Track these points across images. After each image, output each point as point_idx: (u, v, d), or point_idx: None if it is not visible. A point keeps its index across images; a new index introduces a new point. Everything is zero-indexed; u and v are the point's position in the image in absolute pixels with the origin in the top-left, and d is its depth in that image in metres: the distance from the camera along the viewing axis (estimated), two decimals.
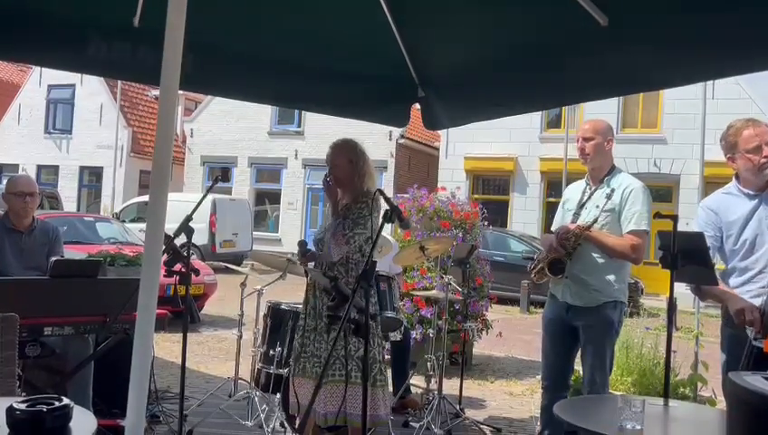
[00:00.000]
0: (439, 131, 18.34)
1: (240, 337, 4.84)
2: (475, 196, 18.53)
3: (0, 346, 2.61)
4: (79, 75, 21.46)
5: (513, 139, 18.45)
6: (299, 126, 21.59)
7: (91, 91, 23.68)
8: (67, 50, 3.13)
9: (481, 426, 4.69)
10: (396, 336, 4.76)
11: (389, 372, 4.96)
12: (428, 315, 5.89)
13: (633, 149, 17.17)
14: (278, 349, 4.26)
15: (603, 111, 16.46)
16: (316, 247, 3.60)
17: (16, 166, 24.36)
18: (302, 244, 3.66)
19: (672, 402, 2.68)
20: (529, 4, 2.86)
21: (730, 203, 3.00)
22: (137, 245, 9.21)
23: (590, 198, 3.48)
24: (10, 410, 1.65)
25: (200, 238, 15.27)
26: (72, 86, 24.03)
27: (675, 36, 2.53)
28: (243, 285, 4.91)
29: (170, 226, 2.21)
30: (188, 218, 3.38)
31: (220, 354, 6.96)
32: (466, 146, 19.06)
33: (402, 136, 20.02)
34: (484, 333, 6.75)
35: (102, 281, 3.99)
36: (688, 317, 7.12)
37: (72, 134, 24.59)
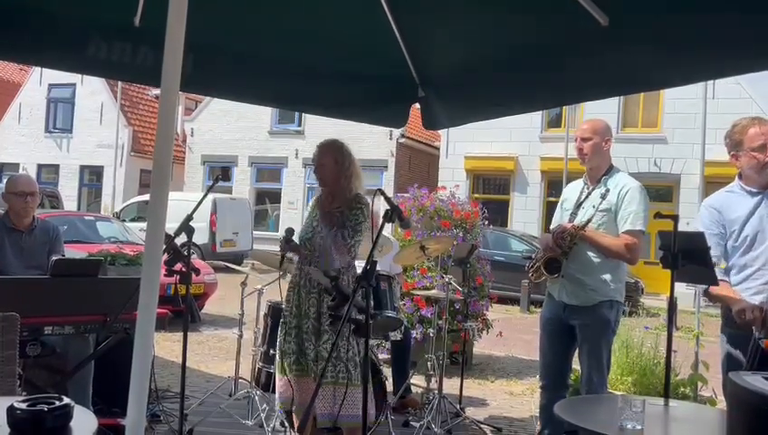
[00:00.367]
0: (440, 131, 18.33)
1: (240, 336, 4.85)
2: (476, 195, 18.52)
3: (1, 345, 2.61)
4: (79, 75, 21.44)
5: (513, 138, 18.45)
6: (299, 125, 21.59)
7: (92, 91, 23.68)
8: (67, 50, 3.12)
9: (481, 425, 4.69)
10: (396, 336, 4.76)
11: (390, 372, 4.99)
12: (429, 315, 5.89)
13: (633, 149, 17.17)
14: None
15: (604, 110, 16.44)
16: (303, 246, 3.57)
17: (17, 165, 24.38)
18: (290, 232, 3.58)
19: (672, 402, 2.68)
20: (529, 4, 2.86)
21: (732, 201, 3.02)
22: (137, 244, 9.21)
23: (587, 197, 3.50)
24: (11, 410, 1.66)
25: (200, 238, 15.26)
26: (73, 85, 24.03)
27: (675, 36, 2.52)
28: (243, 284, 4.92)
29: (171, 225, 2.21)
30: (189, 218, 3.38)
31: (220, 354, 6.96)
32: (467, 145, 19.05)
33: (402, 135, 20.02)
34: (484, 332, 6.76)
35: (103, 280, 4.00)
36: (689, 317, 7.11)
37: (72, 133, 24.59)
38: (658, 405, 2.53)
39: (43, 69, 23.00)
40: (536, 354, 3.86)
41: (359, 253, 3.60)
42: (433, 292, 5.14)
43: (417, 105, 4.08)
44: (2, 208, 4.41)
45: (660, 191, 17.71)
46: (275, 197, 22.54)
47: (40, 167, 24.88)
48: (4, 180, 4.61)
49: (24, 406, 1.67)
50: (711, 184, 11.82)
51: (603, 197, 3.38)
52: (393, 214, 2.58)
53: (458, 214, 6.59)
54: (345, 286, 3.19)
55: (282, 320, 3.58)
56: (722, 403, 4.38)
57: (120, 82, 20.98)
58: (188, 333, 3.55)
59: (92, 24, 3.07)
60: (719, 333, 3.09)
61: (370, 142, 19.82)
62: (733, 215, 2.98)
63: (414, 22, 3.38)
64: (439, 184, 17.33)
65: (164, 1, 2.02)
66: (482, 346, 7.46)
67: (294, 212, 21.71)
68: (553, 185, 18.24)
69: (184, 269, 3.43)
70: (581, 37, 2.81)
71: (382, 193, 2.76)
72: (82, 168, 24.60)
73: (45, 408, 1.68)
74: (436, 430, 4.36)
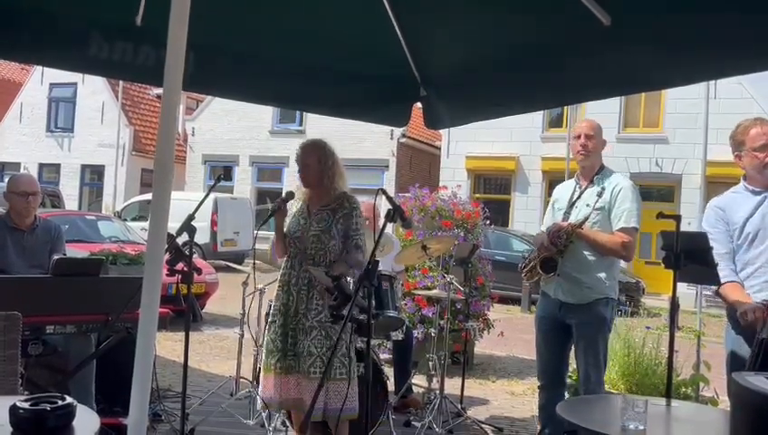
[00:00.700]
0: (441, 131, 18.31)
1: (242, 336, 4.85)
2: (477, 195, 18.48)
3: (3, 344, 2.62)
4: (80, 74, 21.46)
5: (514, 138, 18.44)
6: (300, 125, 21.58)
7: (93, 90, 23.69)
8: (69, 49, 3.12)
9: (482, 425, 4.69)
10: (398, 336, 4.77)
11: (391, 372, 4.99)
12: (430, 315, 5.89)
13: (635, 149, 17.16)
14: None
15: (605, 110, 16.45)
16: (294, 244, 3.54)
17: (18, 164, 24.40)
18: (290, 194, 3.59)
19: (674, 402, 2.68)
20: (530, 4, 2.86)
21: (736, 201, 3.07)
22: (138, 243, 9.22)
23: (580, 196, 3.55)
24: (13, 409, 1.66)
25: (201, 237, 15.26)
26: (74, 85, 24.04)
27: (675, 36, 2.52)
28: (244, 283, 4.92)
29: (172, 224, 2.21)
30: (191, 217, 3.38)
31: (222, 353, 6.97)
32: (468, 145, 19.05)
33: (404, 135, 20.01)
34: (485, 332, 6.76)
35: (104, 280, 4.00)
36: (690, 317, 7.11)
37: (73, 133, 24.60)
38: (660, 405, 2.53)
39: (45, 68, 23.05)
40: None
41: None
42: (434, 291, 5.14)
43: (419, 105, 4.08)
44: (3, 208, 4.41)
45: (662, 191, 17.70)
46: (276, 196, 22.39)
47: (41, 166, 24.89)
48: (6, 180, 4.60)
49: (26, 405, 1.67)
50: (712, 184, 11.85)
51: (600, 195, 3.43)
52: (395, 214, 2.58)
53: (459, 214, 6.59)
54: (347, 286, 3.20)
55: (270, 320, 3.59)
56: (723, 404, 4.38)
57: (120, 82, 21.00)
58: (190, 333, 3.55)
59: (94, 23, 3.07)
60: (722, 333, 3.10)
61: (372, 142, 19.82)
62: (736, 214, 3.02)
63: (415, 21, 3.38)
64: (440, 184, 17.32)
65: (165, 0, 2.02)
66: (483, 346, 7.46)
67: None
68: (555, 185, 17.85)
69: (185, 269, 3.43)
70: (582, 37, 2.81)
71: (384, 193, 2.76)
72: (84, 167, 24.61)
73: (48, 407, 1.68)
74: (437, 429, 4.36)
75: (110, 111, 23.44)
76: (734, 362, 2.93)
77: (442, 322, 4.94)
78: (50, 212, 9.90)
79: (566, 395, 3.74)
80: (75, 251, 6.93)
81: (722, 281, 2.93)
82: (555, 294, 3.53)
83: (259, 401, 3.55)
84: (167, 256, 3.25)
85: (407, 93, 3.99)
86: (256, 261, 7.92)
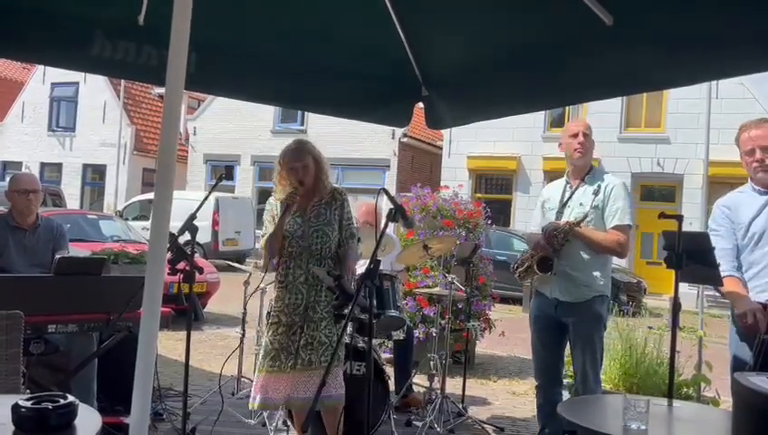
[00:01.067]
0: (442, 130, 18.32)
1: (243, 335, 4.85)
2: (478, 195, 18.49)
3: (4, 343, 2.62)
4: (82, 73, 21.49)
5: (516, 138, 18.44)
6: (302, 124, 21.58)
7: (95, 89, 23.72)
8: (71, 48, 3.12)
9: (484, 425, 4.69)
10: (399, 335, 4.77)
11: (392, 371, 4.98)
12: (431, 314, 5.89)
13: (636, 149, 17.15)
14: None
15: (606, 110, 16.47)
16: (297, 244, 3.53)
17: (20, 163, 24.45)
18: (297, 189, 3.55)
19: (676, 403, 2.68)
20: (531, 4, 2.86)
21: (742, 200, 3.08)
22: (140, 243, 9.22)
23: (571, 196, 3.59)
24: (15, 408, 1.66)
25: (203, 236, 15.26)
26: (76, 84, 24.08)
27: (676, 36, 2.53)
28: (246, 283, 4.92)
29: (173, 224, 2.21)
30: (192, 217, 3.38)
31: (223, 352, 6.95)
32: (469, 145, 19.05)
33: (405, 135, 20.01)
34: (486, 332, 6.76)
35: (106, 279, 4.00)
36: (691, 317, 7.10)
37: (75, 132, 24.64)
38: (662, 405, 2.53)
39: (46, 67, 23.07)
40: None
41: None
42: (435, 290, 5.14)
43: (421, 104, 4.08)
44: (5, 207, 4.41)
45: (663, 191, 17.69)
46: None
47: (43, 165, 24.94)
48: (7, 179, 4.61)
49: (28, 404, 1.67)
50: (714, 184, 11.82)
51: (596, 193, 3.48)
52: (396, 213, 2.58)
53: (461, 213, 6.59)
54: (348, 285, 3.21)
55: (270, 321, 3.59)
56: (725, 404, 4.38)
57: (122, 81, 21.02)
58: (191, 332, 3.55)
59: (96, 22, 3.07)
60: (724, 333, 3.09)
61: (373, 142, 19.82)
62: (742, 214, 3.03)
63: (416, 21, 3.38)
64: (442, 183, 17.31)
65: (168, 0, 2.02)
66: (484, 346, 7.46)
67: None
68: None
69: (187, 268, 3.43)
70: (584, 37, 2.81)
71: (386, 192, 2.76)
72: (85, 166, 24.65)
73: (50, 406, 1.68)
74: (438, 429, 4.36)
75: (112, 111, 23.45)
76: (738, 366, 2.93)
77: (443, 321, 4.94)
78: (52, 211, 9.91)
79: (564, 394, 3.76)
80: (77, 250, 6.92)
81: (722, 275, 2.93)
82: (552, 293, 3.56)
83: (251, 400, 3.56)
84: (168, 256, 3.25)
85: (408, 93, 3.99)
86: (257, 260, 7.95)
